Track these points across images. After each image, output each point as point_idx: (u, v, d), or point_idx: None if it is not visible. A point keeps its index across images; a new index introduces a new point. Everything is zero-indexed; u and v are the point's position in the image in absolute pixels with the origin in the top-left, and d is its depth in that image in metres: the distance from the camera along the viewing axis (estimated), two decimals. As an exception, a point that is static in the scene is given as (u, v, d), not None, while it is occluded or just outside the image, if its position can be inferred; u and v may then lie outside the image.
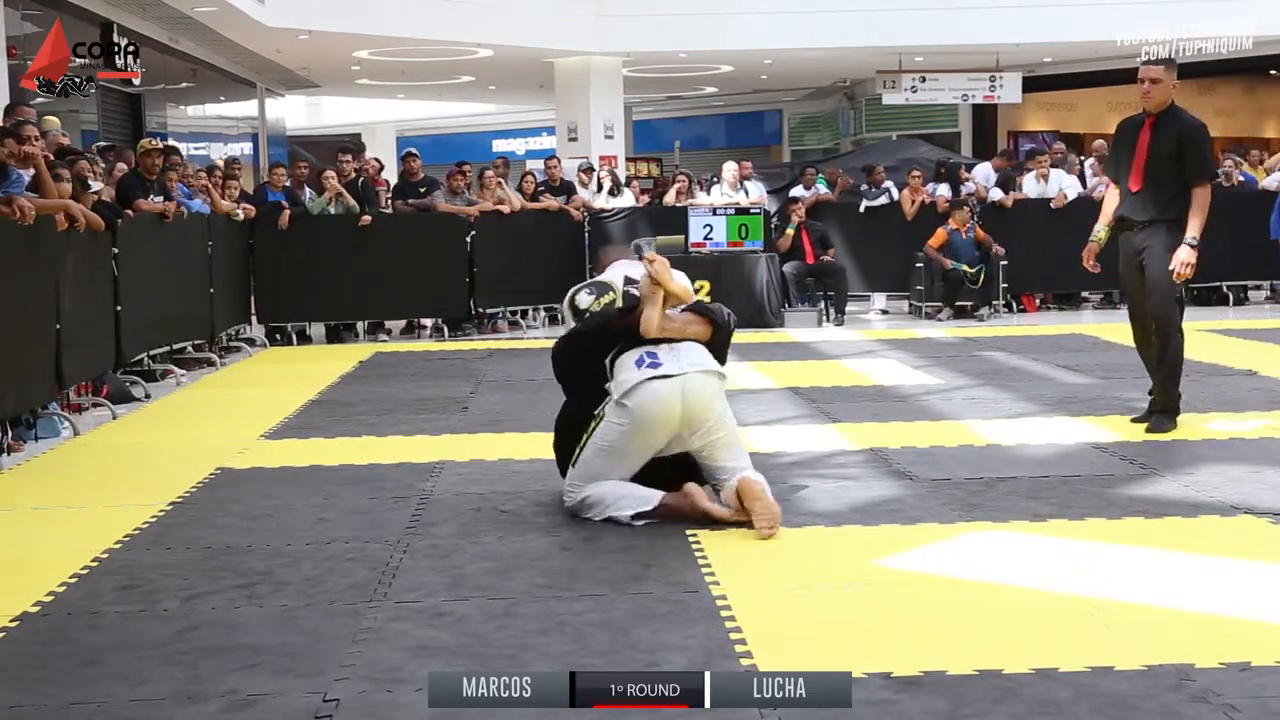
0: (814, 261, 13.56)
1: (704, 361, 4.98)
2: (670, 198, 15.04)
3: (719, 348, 5.15)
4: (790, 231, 13.52)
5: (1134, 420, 6.89)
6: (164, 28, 16.76)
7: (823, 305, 13.57)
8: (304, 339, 12.58)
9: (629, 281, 5.22)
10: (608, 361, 5.03)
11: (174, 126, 19.10)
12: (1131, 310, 6.94)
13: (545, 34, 19.80)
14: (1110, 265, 6.98)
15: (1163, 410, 6.73)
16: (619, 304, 5.18)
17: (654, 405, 4.85)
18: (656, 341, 4.97)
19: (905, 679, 3.32)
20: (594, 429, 5.00)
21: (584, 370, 5.11)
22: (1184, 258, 6.43)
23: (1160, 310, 6.67)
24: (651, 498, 4.92)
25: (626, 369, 4.94)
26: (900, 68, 21.48)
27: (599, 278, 5.44)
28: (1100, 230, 6.85)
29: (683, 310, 5.11)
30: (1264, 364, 9.17)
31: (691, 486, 4.93)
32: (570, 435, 5.19)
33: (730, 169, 14.69)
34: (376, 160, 14.23)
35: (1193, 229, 6.45)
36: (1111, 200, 6.84)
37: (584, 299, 5.27)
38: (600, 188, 15.04)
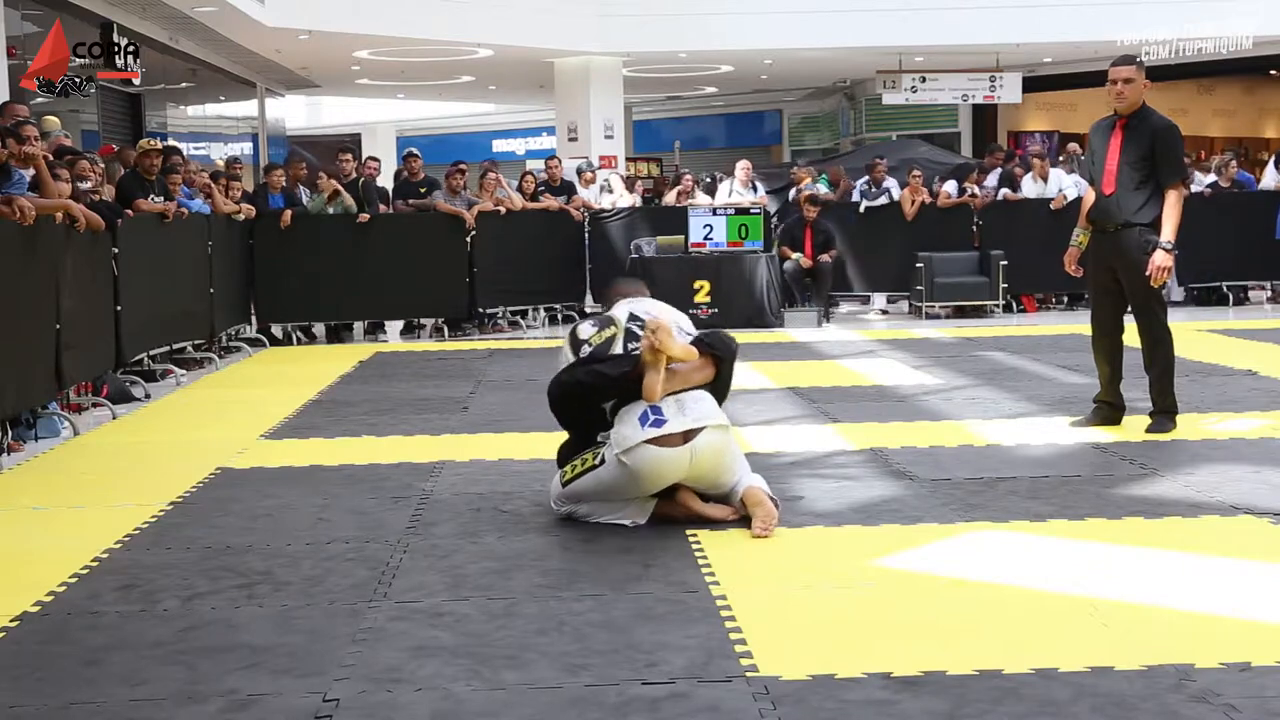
0: (812, 262, 13.55)
1: (710, 415, 4.89)
2: (670, 198, 15.04)
3: (720, 384, 5.10)
4: (796, 256, 13.51)
5: (1074, 424, 6.87)
6: (164, 28, 16.76)
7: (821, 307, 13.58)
8: (309, 337, 12.60)
9: (633, 318, 5.11)
10: (607, 407, 4.98)
11: (174, 126, 19.10)
12: (1094, 311, 6.92)
13: (545, 34, 19.81)
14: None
15: (1162, 411, 6.72)
16: (619, 339, 5.06)
17: (658, 469, 4.81)
18: None
19: (905, 679, 3.32)
20: (591, 464, 4.94)
21: (583, 410, 5.07)
22: (1160, 262, 6.41)
23: (1145, 315, 6.66)
24: (646, 511, 4.91)
25: (629, 423, 4.85)
26: (900, 68, 21.48)
27: (605, 313, 5.36)
28: (1079, 234, 6.83)
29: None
30: (1264, 364, 9.17)
31: (683, 491, 4.92)
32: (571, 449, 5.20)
33: (742, 167, 14.72)
34: (374, 160, 14.24)
35: (1167, 232, 6.43)
36: (1089, 203, 6.82)
37: (585, 329, 5.21)
38: (610, 190, 15.07)
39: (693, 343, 5.02)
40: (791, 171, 15.39)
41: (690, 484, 4.93)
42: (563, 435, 5.52)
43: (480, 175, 13.64)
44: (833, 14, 19.38)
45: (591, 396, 5.02)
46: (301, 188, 13.01)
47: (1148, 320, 6.66)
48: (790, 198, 14.59)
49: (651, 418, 4.82)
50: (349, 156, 13.25)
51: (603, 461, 4.90)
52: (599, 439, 5.01)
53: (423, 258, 12.52)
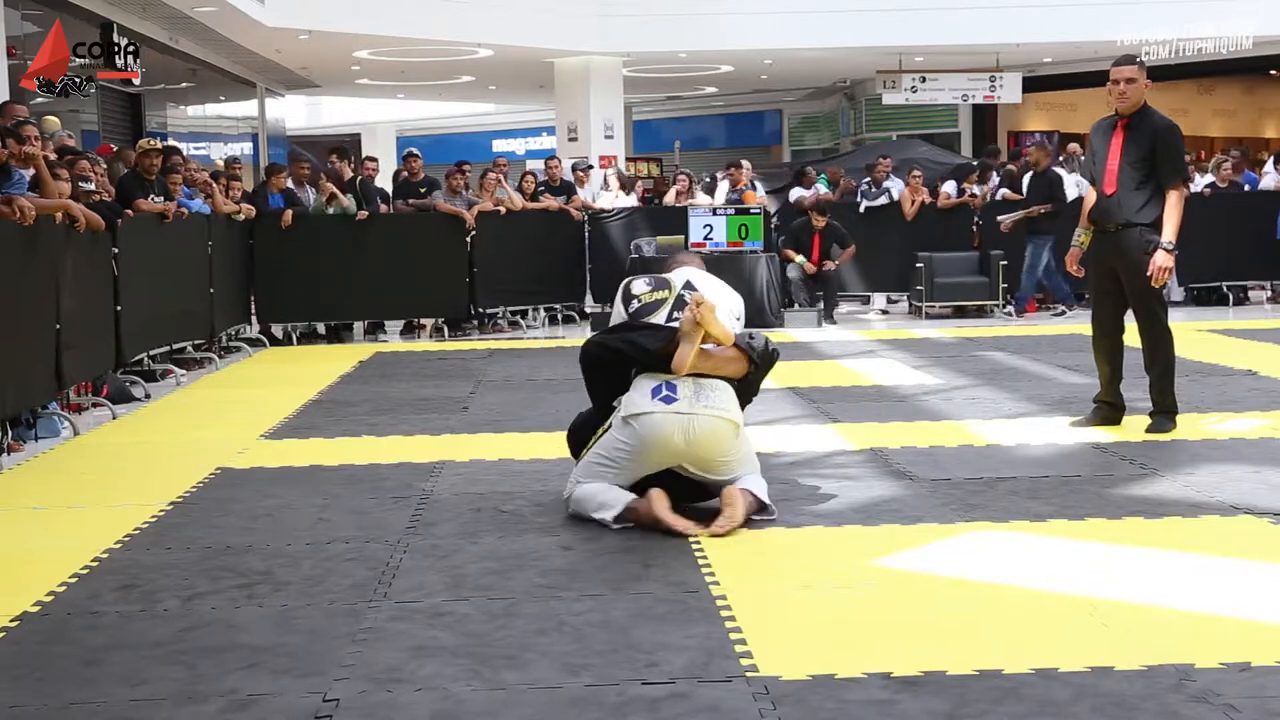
0: (818, 267, 13.47)
1: (721, 405, 4.88)
2: (670, 198, 15.05)
3: (750, 384, 5.13)
4: (800, 259, 13.47)
5: (1074, 424, 6.87)
6: (164, 28, 16.77)
7: (821, 306, 13.55)
8: (311, 337, 12.60)
9: (689, 286, 5.15)
10: (633, 373, 5.03)
11: (174, 126, 19.10)
12: (1094, 311, 6.92)
13: (545, 34, 19.82)
14: None
15: (1162, 411, 6.72)
16: (668, 305, 5.09)
17: (655, 437, 4.82)
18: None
19: (905, 679, 3.32)
20: (601, 434, 5.01)
21: (610, 376, 5.10)
22: (1160, 262, 6.41)
23: (1146, 315, 6.66)
24: (621, 501, 4.88)
25: (641, 390, 4.90)
26: (900, 68, 21.49)
27: (664, 275, 5.37)
28: (1081, 234, 6.84)
29: (719, 346, 5.01)
30: (1264, 364, 9.17)
31: (654, 492, 4.84)
32: (585, 430, 5.21)
33: (743, 167, 14.72)
34: (371, 160, 14.27)
35: (1168, 233, 6.43)
36: (1091, 203, 6.83)
37: (639, 285, 5.22)
38: (606, 186, 15.09)
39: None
40: (681, 175, 15.24)
41: (689, 466, 4.90)
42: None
43: (480, 175, 13.64)
44: (833, 14, 19.38)
45: (622, 364, 5.04)
46: (308, 187, 13.02)
47: (1148, 320, 6.66)
48: (726, 196, 14.48)
49: (664, 392, 4.85)
50: (335, 157, 13.22)
51: (610, 427, 4.95)
52: (614, 404, 5.03)
53: (423, 258, 12.52)
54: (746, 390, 5.12)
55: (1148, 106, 6.64)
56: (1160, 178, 6.50)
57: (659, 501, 4.81)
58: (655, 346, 4.95)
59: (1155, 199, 6.50)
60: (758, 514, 4.90)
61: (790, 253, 13.51)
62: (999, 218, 13.43)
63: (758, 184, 15.02)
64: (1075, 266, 6.88)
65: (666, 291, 5.15)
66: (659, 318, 5.09)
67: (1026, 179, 14.32)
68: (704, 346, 4.92)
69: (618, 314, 5.25)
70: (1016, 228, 13.23)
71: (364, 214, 12.42)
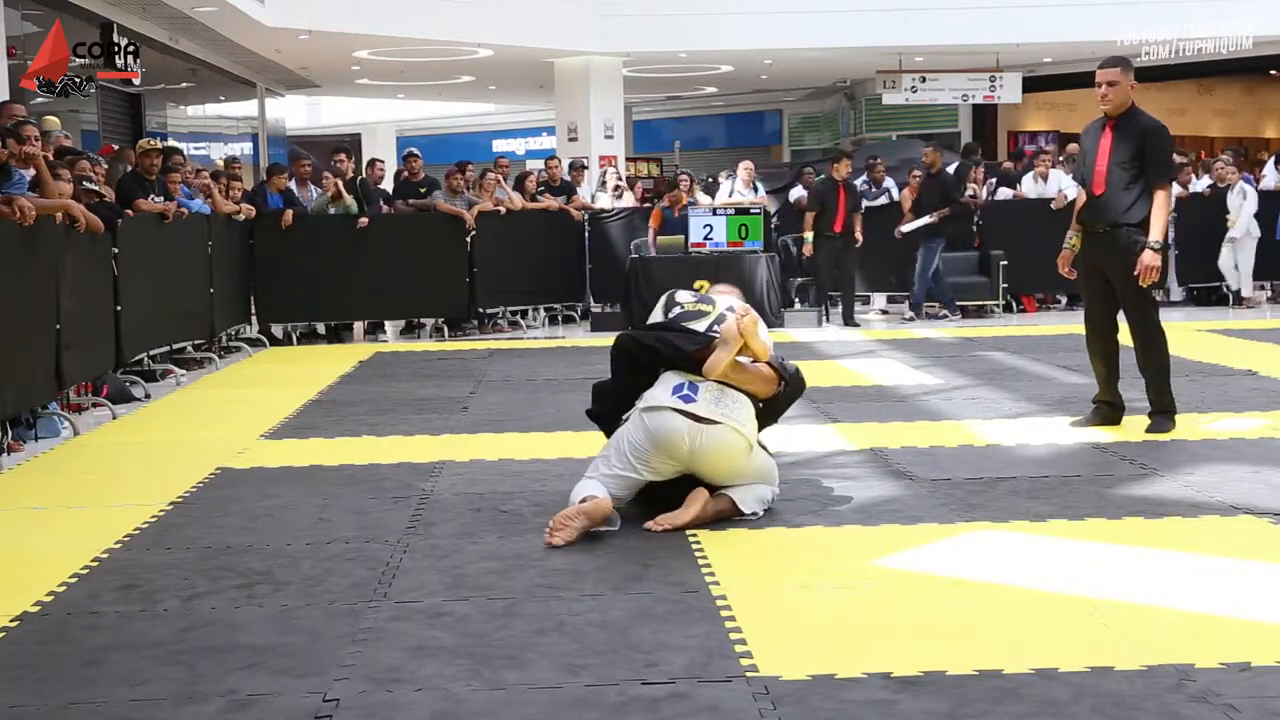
0: (841, 229, 13.29)
1: (736, 417, 4.88)
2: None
3: (775, 407, 5.15)
4: (808, 236, 13.40)
5: (1073, 424, 6.88)
6: (164, 28, 16.76)
7: (823, 306, 13.54)
8: (311, 337, 12.59)
9: (730, 310, 5.19)
10: (661, 371, 5.05)
11: (174, 126, 19.09)
12: (1087, 312, 6.93)
13: (545, 34, 19.81)
14: None
15: (1160, 410, 6.72)
16: (709, 318, 5.14)
17: (664, 436, 4.81)
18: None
19: (905, 679, 3.32)
20: (624, 423, 5.05)
21: (638, 371, 5.12)
22: (1148, 262, 6.42)
23: (1137, 315, 6.66)
24: (582, 495, 4.84)
25: (664, 386, 4.92)
26: (900, 68, 21.48)
27: (708, 295, 5.43)
28: (1073, 236, 6.85)
29: (755, 362, 5.03)
30: (1264, 364, 9.17)
31: (603, 499, 4.80)
32: (604, 402, 5.27)
33: (745, 167, 14.72)
34: (379, 162, 14.31)
35: (1155, 232, 6.45)
36: (1081, 204, 6.84)
37: (684, 295, 5.31)
38: (604, 186, 15.09)
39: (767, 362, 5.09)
40: (682, 176, 15.09)
41: (701, 475, 4.90)
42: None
43: (480, 175, 13.64)
44: (833, 14, 19.37)
45: (653, 361, 5.06)
46: (312, 186, 13.02)
47: (1141, 321, 6.67)
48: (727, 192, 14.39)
49: (685, 390, 4.86)
50: (342, 156, 13.23)
51: (628, 419, 4.98)
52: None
53: (423, 258, 12.52)
54: (771, 412, 5.14)
55: (1135, 107, 6.65)
56: (1147, 178, 6.52)
57: (598, 508, 4.76)
58: (691, 349, 4.99)
59: (1143, 199, 6.52)
60: (733, 515, 4.90)
61: (811, 219, 13.28)
62: (898, 229, 13.46)
63: (759, 184, 15.00)
64: (1067, 269, 6.89)
65: (710, 306, 5.23)
66: (699, 327, 5.13)
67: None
68: (739, 359, 4.94)
69: (656, 318, 5.32)
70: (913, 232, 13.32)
71: (364, 221, 12.39)
